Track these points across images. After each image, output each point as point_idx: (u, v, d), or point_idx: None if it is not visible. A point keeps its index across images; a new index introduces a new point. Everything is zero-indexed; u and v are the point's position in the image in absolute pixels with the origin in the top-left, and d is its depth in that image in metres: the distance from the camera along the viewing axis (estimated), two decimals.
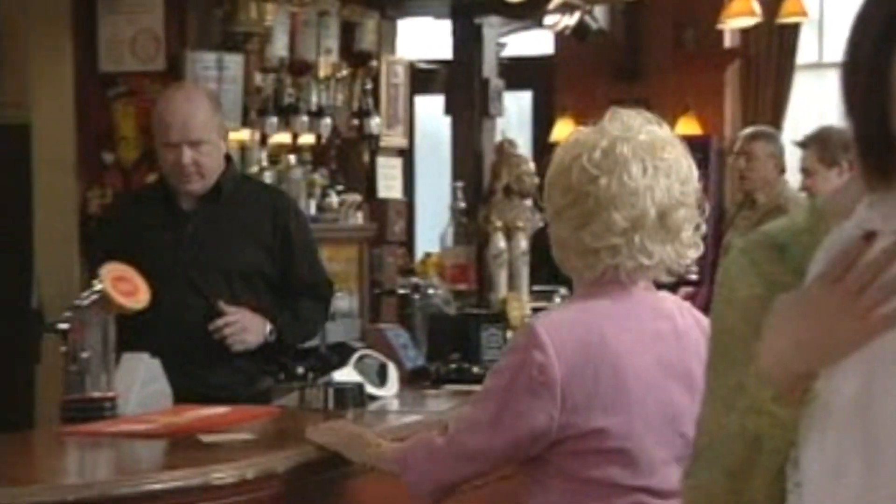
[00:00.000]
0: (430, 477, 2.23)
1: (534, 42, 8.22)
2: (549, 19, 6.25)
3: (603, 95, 7.65)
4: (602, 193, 2.10)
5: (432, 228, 5.95)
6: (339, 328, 5.15)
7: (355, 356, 3.25)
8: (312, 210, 5.38)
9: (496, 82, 6.60)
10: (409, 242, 6.49)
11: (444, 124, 6.81)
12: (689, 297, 6.56)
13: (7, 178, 5.02)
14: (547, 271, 4.04)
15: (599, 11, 6.57)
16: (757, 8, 6.42)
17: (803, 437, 1.25)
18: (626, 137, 2.14)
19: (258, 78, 5.10)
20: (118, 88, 4.75)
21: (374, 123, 5.64)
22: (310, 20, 5.32)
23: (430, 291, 4.27)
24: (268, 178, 5.14)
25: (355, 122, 5.62)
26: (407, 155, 6.36)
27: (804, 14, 6.84)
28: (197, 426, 2.75)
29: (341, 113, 5.54)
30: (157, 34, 4.72)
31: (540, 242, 4.05)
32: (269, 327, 3.27)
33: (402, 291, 4.78)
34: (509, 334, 3.73)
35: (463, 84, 6.57)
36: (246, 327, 3.23)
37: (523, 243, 4.98)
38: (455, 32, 6.56)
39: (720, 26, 6.86)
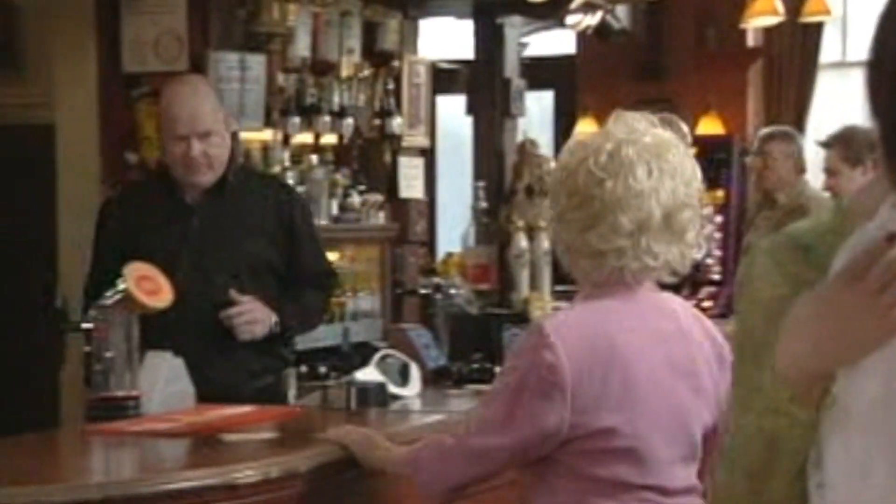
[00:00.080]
0: (441, 477, 2.24)
1: (555, 42, 8.21)
2: (571, 19, 6.24)
3: (625, 95, 7.63)
4: (608, 196, 2.12)
5: (454, 228, 5.95)
6: (361, 328, 5.16)
7: (377, 356, 3.25)
8: (335, 210, 5.39)
9: (518, 82, 6.60)
10: (430, 242, 6.49)
11: (465, 124, 6.81)
12: (712, 297, 6.56)
13: (31, 177, 5.05)
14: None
15: (621, 11, 6.55)
16: (780, 7, 6.39)
17: (825, 438, 1.25)
18: (631, 140, 2.16)
19: (280, 78, 5.11)
20: (141, 89, 4.77)
21: (396, 123, 5.65)
22: (332, 20, 5.33)
23: (452, 291, 4.27)
24: (290, 178, 5.15)
25: (377, 122, 5.63)
26: (429, 155, 6.36)
27: (828, 12, 6.80)
28: (220, 425, 2.76)
29: (363, 113, 5.55)
30: (179, 35, 4.73)
31: None
32: (274, 318, 3.26)
33: (423, 291, 4.78)
34: None
35: (485, 84, 6.57)
36: (256, 317, 3.22)
37: (545, 243, 4.97)
38: (477, 32, 6.57)
39: (743, 25, 6.83)
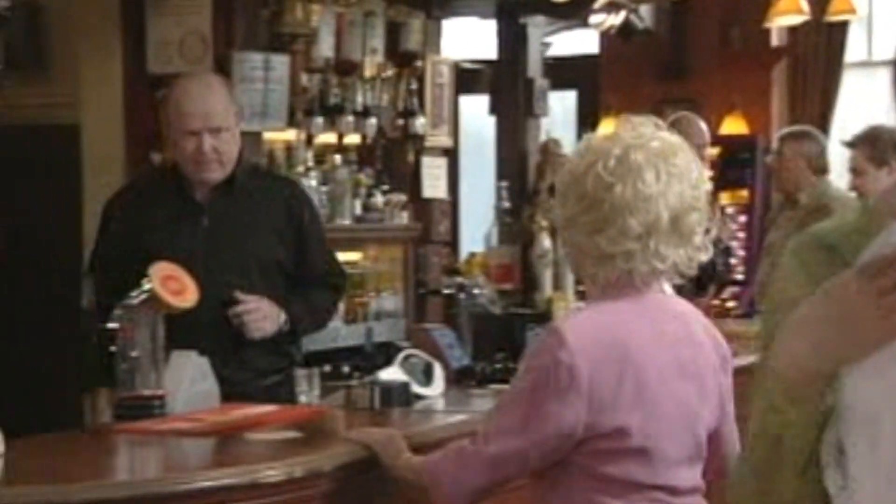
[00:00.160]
0: (461, 484, 2.25)
1: (579, 41, 8.20)
2: (594, 19, 6.24)
3: (648, 95, 7.62)
4: (617, 200, 2.15)
5: (477, 228, 5.95)
6: (384, 328, 5.17)
7: (401, 355, 3.26)
8: (358, 210, 5.41)
9: (541, 82, 6.60)
10: (453, 242, 6.50)
11: (488, 124, 6.82)
12: (736, 297, 6.54)
13: (57, 177, 5.08)
14: None
15: (645, 10, 6.55)
16: (805, 6, 6.36)
17: (847, 440, 1.24)
18: (638, 144, 2.18)
19: (304, 78, 5.13)
20: (166, 89, 4.79)
21: (419, 123, 5.66)
22: (355, 21, 5.34)
23: (476, 291, 4.27)
24: (313, 178, 5.17)
25: (400, 122, 5.64)
26: (452, 155, 6.37)
27: (853, 11, 6.77)
28: (244, 425, 2.77)
29: (387, 113, 5.56)
30: (204, 35, 4.75)
31: None
32: (283, 316, 3.24)
33: (447, 291, 4.79)
34: None
35: (508, 84, 6.57)
36: (266, 315, 3.20)
37: None
38: (500, 32, 6.57)
39: (767, 25, 6.80)
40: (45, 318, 5.03)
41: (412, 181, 5.78)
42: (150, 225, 3.25)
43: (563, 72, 7.34)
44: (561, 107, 7.95)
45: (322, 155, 5.36)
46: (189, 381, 2.95)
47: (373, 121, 5.41)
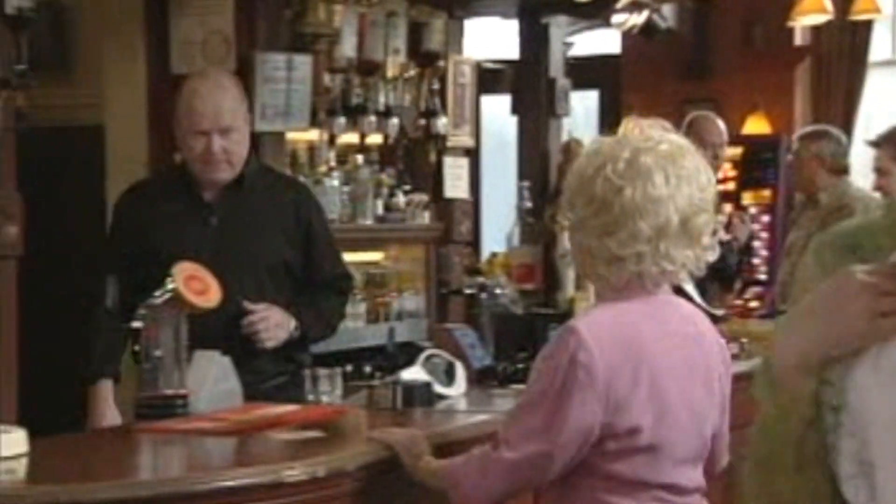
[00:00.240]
0: (482, 489, 2.25)
1: (600, 41, 8.18)
2: (617, 18, 6.23)
3: (670, 94, 7.60)
4: (627, 203, 2.17)
5: (499, 228, 5.96)
6: (406, 328, 5.17)
7: (423, 355, 3.26)
8: (380, 210, 5.41)
9: (563, 82, 6.59)
10: (475, 242, 6.50)
11: (510, 124, 6.81)
12: (759, 298, 6.52)
13: (81, 178, 5.10)
14: None
15: (667, 10, 6.53)
16: (829, 5, 6.33)
17: (878, 456, 1.24)
18: (647, 147, 2.21)
19: (327, 78, 5.14)
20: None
21: (441, 123, 5.66)
22: (378, 21, 5.35)
23: (497, 291, 4.27)
24: (336, 178, 5.17)
25: (422, 121, 5.64)
26: (473, 155, 6.36)
27: (877, 10, 6.73)
28: (267, 424, 2.77)
29: (409, 113, 5.57)
30: (227, 35, 4.77)
31: None
32: (293, 323, 3.23)
33: (468, 291, 4.79)
34: None
35: (530, 84, 6.57)
36: (277, 323, 3.18)
37: None
38: (522, 32, 6.57)
39: (790, 24, 6.77)
40: (70, 318, 5.05)
41: (434, 181, 5.78)
42: (158, 223, 3.24)
43: (585, 72, 7.33)
44: (583, 107, 7.93)
45: (344, 155, 5.36)
46: (212, 380, 2.96)
47: (395, 121, 5.42)
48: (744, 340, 4.14)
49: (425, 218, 5.63)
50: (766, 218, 7.42)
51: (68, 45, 5.40)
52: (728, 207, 6.71)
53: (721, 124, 5.09)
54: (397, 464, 2.48)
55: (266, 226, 3.28)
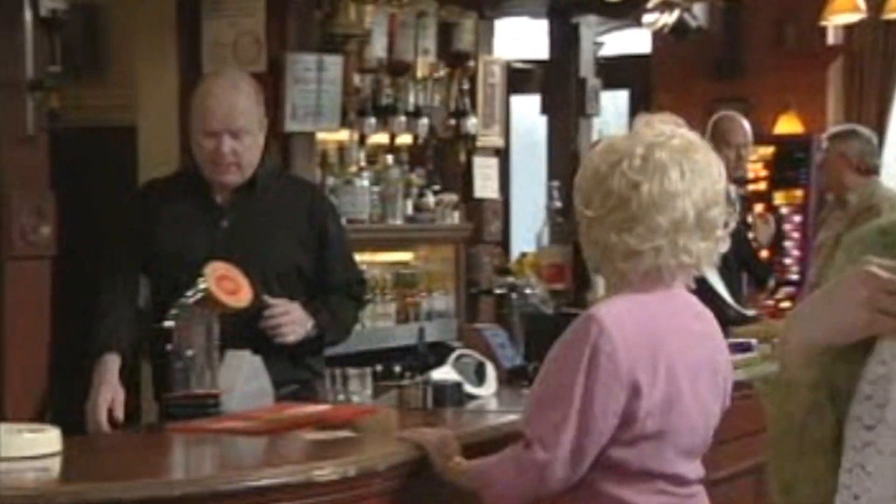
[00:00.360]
0: (515, 489, 2.24)
1: (631, 41, 8.16)
2: (647, 18, 6.21)
3: (701, 94, 7.57)
4: (645, 198, 2.19)
5: (528, 228, 5.94)
6: (436, 328, 5.18)
7: (453, 355, 3.26)
8: (409, 210, 5.42)
9: (593, 81, 6.57)
10: (504, 242, 6.49)
11: (540, 124, 6.80)
12: (790, 298, 6.48)
13: (113, 179, 5.13)
14: None
15: (698, 9, 6.49)
16: (861, 3, 6.29)
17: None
18: (660, 143, 2.23)
19: (357, 79, 5.15)
20: None
21: (471, 123, 5.66)
22: (408, 21, 5.35)
23: (527, 291, 4.27)
24: (366, 178, 5.18)
25: (452, 122, 5.64)
26: (503, 155, 6.36)
27: None
28: (298, 423, 2.78)
29: (438, 113, 5.57)
30: (258, 36, 4.79)
31: None
32: (310, 322, 3.18)
33: (498, 291, 4.78)
34: None
35: (559, 84, 6.56)
36: (297, 318, 3.14)
37: None
38: (552, 32, 6.56)
39: (823, 23, 6.73)
40: None
41: (464, 181, 5.78)
42: (166, 223, 3.21)
43: (615, 71, 7.31)
44: (613, 106, 7.91)
45: (374, 155, 5.37)
46: (243, 379, 2.97)
47: (425, 121, 5.42)
48: (776, 341, 4.12)
49: (455, 218, 5.63)
50: (797, 218, 7.38)
51: (101, 46, 5.43)
52: (759, 207, 6.69)
53: (745, 124, 5.06)
54: (428, 464, 2.48)
55: (278, 229, 3.23)
